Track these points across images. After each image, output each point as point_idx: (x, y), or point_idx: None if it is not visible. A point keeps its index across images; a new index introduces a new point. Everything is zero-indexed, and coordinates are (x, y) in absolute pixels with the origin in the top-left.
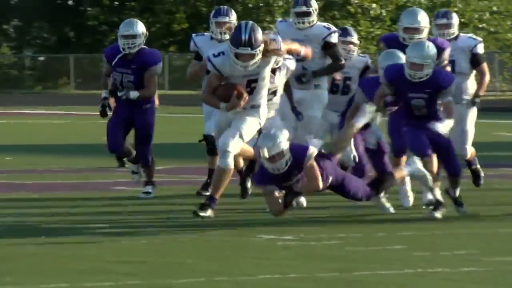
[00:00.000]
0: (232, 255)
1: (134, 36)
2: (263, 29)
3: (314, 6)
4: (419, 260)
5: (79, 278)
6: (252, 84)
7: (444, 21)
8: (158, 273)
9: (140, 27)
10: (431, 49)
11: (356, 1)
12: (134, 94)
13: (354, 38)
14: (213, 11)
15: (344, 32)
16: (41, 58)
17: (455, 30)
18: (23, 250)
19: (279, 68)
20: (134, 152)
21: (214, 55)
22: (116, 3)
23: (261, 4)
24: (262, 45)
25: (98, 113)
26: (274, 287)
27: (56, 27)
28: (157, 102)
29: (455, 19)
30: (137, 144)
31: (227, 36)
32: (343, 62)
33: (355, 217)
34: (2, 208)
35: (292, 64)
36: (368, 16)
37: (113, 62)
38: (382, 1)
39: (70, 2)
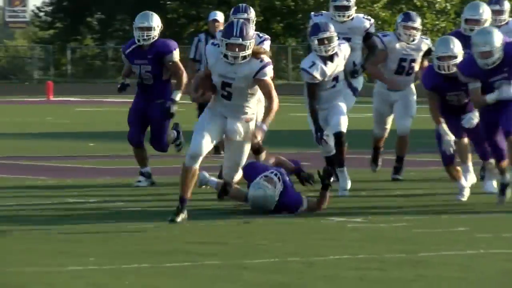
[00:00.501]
0: (303, 237)
1: (149, 29)
2: None
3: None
4: (481, 242)
5: (159, 259)
6: (226, 88)
7: (497, 7)
8: (234, 254)
9: (156, 20)
10: (495, 34)
11: None
12: (176, 96)
13: (417, 23)
14: (233, 9)
15: (406, 17)
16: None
17: (506, 16)
18: (106, 233)
19: (336, 53)
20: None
21: (212, 43)
22: None
23: None
24: (253, 41)
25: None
26: (343, 267)
27: (128, 20)
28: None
29: (507, 6)
30: (151, 137)
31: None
32: (380, 48)
33: (420, 202)
34: (87, 192)
35: (347, 48)
36: (433, 9)
37: (128, 54)
38: None
39: None
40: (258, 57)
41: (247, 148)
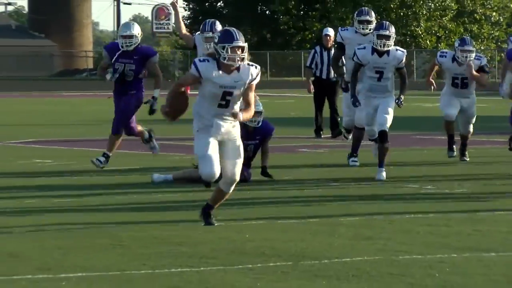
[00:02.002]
0: (386, 199)
1: (131, 37)
2: None
3: (373, 15)
4: None
5: (230, 259)
6: (227, 97)
7: None
8: (332, 213)
9: (136, 29)
10: None
11: (481, 11)
12: (156, 93)
13: (472, 46)
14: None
15: (462, 42)
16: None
17: None
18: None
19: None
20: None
21: (200, 60)
22: (301, 12)
23: (409, 13)
24: (246, 46)
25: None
26: (417, 223)
27: (256, 31)
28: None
29: None
30: (116, 118)
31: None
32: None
33: (481, 174)
34: None
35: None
36: (489, 21)
37: (115, 57)
38: (500, 10)
39: (267, 12)
40: (250, 63)
41: (240, 141)
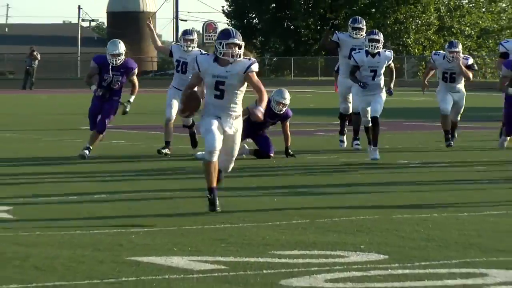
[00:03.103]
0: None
1: (119, 55)
2: None
3: (364, 24)
4: None
5: (262, 218)
6: (220, 86)
7: None
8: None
9: (122, 47)
10: None
11: (457, 26)
12: (132, 98)
13: (459, 48)
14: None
15: (450, 45)
16: (275, 59)
17: None
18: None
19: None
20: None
21: (201, 53)
22: (318, 27)
23: (401, 28)
24: (243, 45)
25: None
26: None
27: (283, 41)
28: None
29: None
30: (98, 123)
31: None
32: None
33: None
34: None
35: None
36: (463, 34)
37: (106, 69)
38: (471, 26)
39: (292, 27)
40: (246, 57)
41: (239, 140)
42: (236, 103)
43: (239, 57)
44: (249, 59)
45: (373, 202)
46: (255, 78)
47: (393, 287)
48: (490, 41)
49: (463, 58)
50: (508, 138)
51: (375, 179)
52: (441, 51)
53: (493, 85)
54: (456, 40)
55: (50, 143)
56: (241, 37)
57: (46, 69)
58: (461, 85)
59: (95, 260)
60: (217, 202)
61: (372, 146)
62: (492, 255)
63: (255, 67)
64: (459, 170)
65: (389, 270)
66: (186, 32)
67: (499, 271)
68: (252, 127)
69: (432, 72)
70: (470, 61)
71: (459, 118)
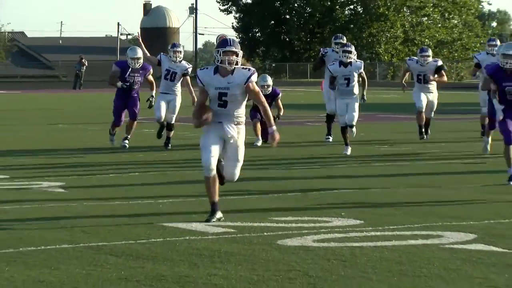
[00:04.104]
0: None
1: (139, 58)
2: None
3: (345, 39)
4: None
5: (265, 190)
6: (223, 97)
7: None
8: None
9: (140, 52)
10: None
11: (418, 38)
12: (153, 93)
13: (429, 52)
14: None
15: (421, 50)
16: (273, 65)
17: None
18: None
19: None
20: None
21: (200, 69)
22: (308, 39)
23: (374, 40)
24: (241, 54)
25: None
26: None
27: (280, 50)
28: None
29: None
30: (130, 114)
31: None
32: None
33: None
34: None
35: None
36: (423, 45)
37: (126, 72)
38: (430, 38)
39: (287, 39)
40: (245, 68)
41: (243, 146)
42: (239, 110)
43: (237, 64)
44: (249, 70)
45: (352, 179)
46: (256, 89)
47: (367, 246)
48: (445, 50)
49: (433, 61)
50: (490, 139)
51: (354, 162)
52: (414, 57)
53: (450, 85)
54: (426, 47)
55: (95, 132)
56: (238, 46)
57: (92, 73)
58: (433, 86)
59: (130, 225)
60: (216, 216)
61: (345, 145)
62: (447, 221)
63: (255, 77)
64: (423, 153)
65: (364, 232)
66: (174, 45)
67: (452, 233)
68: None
69: (407, 74)
70: (440, 62)
71: (432, 115)
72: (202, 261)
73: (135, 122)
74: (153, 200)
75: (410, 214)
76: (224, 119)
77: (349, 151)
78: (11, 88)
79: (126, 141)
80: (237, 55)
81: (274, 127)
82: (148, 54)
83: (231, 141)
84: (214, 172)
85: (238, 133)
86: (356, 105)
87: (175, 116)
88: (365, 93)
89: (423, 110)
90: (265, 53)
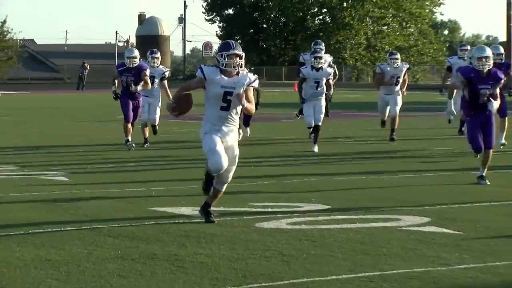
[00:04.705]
0: None
1: (135, 57)
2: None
3: (324, 45)
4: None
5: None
6: (228, 97)
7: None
8: None
9: (136, 52)
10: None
11: (379, 45)
12: (139, 88)
13: (398, 55)
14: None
15: (391, 54)
16: (252, 68)
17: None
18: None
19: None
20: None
21: (205, 65)
22: (283, 46)
23: (341, 46)
24: (243, 56)
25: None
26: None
27: (258, 55)
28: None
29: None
30: (135, 113)
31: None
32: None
33: None
34: None
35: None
36: (384, 51)
37: (120, 71)
38: (390, 45)
39: (264, 46)
40: (250, 72)
41: (237, 150)
42: (237, 114)
43: (241, 67)
44: (253, 74)
45: (321, 169)
46: (251, 90)
47: (334, 228)
48: (402, 55)
49: (402, 64)
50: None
51: (321, 154)
52: (384, 63)
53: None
54: (395, 51)
55: (97, 128)
56: (241, 48)
57: (93, 75)
58: (398, 88)
59: (127, 209)
60: (211, 217)
61: (313, 143)
62: (404, 206)
63: (256, 84)
64: (383, 145)
65: (332, 216)
66: (153, 52)
67: (408, 217)
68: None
69: (382, 78)
70: (407, 65)
71: (397, 111)
72: (190, 241)
73: (129, 125)
74: (147, 187)
75: (371, 200)
76: (225, 126)
77: (316, 149)
78: (22, 89)
79: (130, 143)
80: (240, 58)
81: (244, 100)
82: None
83: (230, 147)
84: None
85: (236, 138)
86: (324, 105)
87: (157, 117)
88: (330, 93)
89: (386, 117)
90: (245, 58)
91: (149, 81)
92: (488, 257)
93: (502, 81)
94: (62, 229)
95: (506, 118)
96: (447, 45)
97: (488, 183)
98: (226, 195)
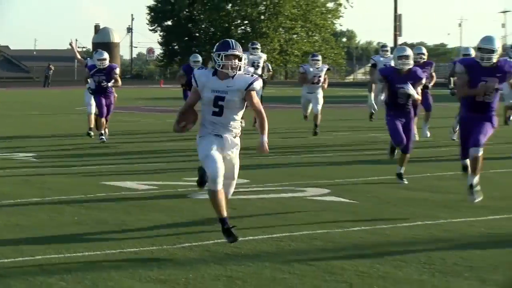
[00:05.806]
0: None
1: (104, 59)
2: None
3: (259, 45)
4: None
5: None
6: (219, 102)
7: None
8: None
9: (105, 54)
10: None
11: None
12: (111, 84)
13: (319, 57)
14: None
15: (313, 56)
16: None
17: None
18: None
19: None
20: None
21: (198, 69)
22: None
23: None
24: (244, 57)
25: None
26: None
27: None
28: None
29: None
30: (108, 109)
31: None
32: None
33: None
34: None
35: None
36: (300, 58)
37: (92, 72)
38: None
39: (197, 51)
40: (247, 73)
41: (238, 161)
42: (235, 121)
43: (239, 69)
44: (252, 75)
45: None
46: (256, 98)
47: (251, 198)
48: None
49: (323, 65)
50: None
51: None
52: (307, 64)
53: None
54: (316, 53)
55: (61, 119)
56: (241, 49)
57: (57, 75)
58: (319, 87)
59: (83, 183)
60: (234, 232)
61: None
62: (308, 180)
63: (257, 84)
64: (302, 134)
65: (249, 188)
66: (100, 54)
67: (312, 189)
68: None
69: (305, 77)
70: (326, 66)
71: (319, 109)
72: (134, 210)
73: (103, 119)
74: (100, 166)
75: (281, 175)
76: (223, 132)
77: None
78: None
79: (103, 137)
80: (240, 59)
81: (266, 139)
82: (79, 56)
83: (228, 158)
84: (221, 185)
85: (236, 149)
86: (320, 98)
87: (111, 112)
88: (325, 85)
89: (307, 113)
90: (181, 60)
91: (119, 79)
92: (377, 221)
93: (423, 80)
94: (30, 199)
95: (430, 112)
96: (345, 50)
97: (406, 182)
98: (165, 173)
